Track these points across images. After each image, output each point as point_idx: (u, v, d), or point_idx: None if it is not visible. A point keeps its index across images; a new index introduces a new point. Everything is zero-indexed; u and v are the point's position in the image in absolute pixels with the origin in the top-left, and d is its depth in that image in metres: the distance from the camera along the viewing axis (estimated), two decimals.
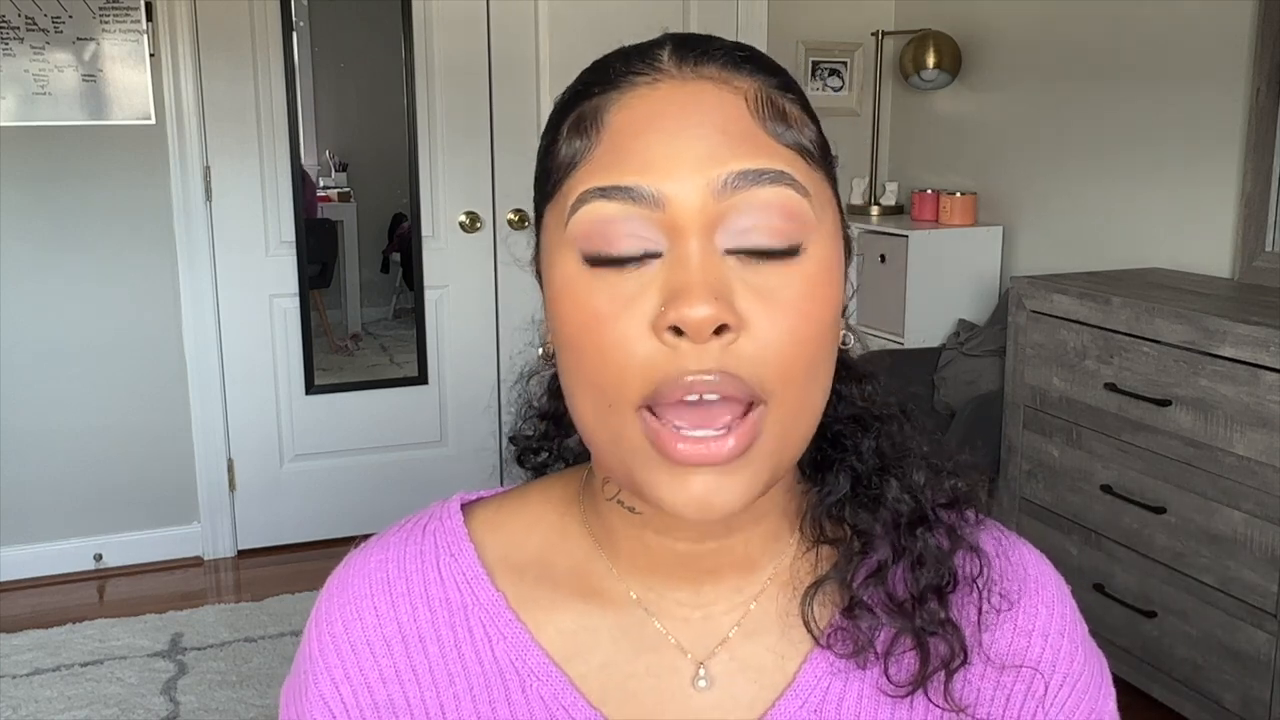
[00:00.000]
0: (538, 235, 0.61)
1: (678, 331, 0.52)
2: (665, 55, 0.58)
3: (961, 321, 3.13)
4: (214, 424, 3.15)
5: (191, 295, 3.06)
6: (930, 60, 3.26)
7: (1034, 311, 2.48)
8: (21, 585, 3.01)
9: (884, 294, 3.17)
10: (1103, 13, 2.81)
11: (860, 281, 3.25)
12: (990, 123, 3.25)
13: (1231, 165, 2.49)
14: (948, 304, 3.15)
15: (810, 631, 0.63)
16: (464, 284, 3.31)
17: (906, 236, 3.09)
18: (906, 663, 0.63)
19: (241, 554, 3.23)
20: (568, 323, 0.56)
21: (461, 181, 3.25)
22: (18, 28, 2.79)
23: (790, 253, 0.54)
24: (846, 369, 0.65)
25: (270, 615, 2.80)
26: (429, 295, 3.29)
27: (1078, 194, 2.94)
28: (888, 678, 0.62)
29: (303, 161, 3.17)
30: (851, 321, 0.62)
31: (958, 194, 3.21)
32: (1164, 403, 2.15)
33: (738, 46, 0.59)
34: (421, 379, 3.34)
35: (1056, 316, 2.42)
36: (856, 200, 3.54)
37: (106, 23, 2.85)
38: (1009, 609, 0.65)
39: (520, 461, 0.75)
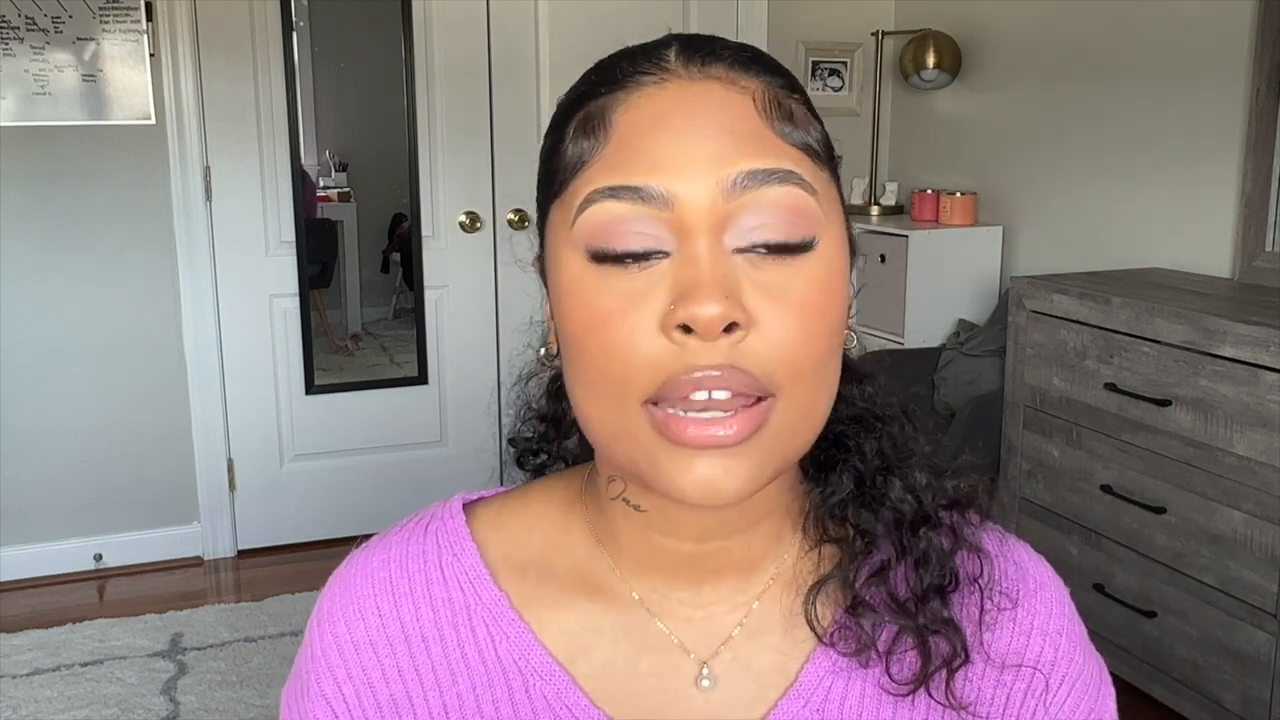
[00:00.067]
0: (541, 234, 0.61)
1: (686, 330, 0.52)
2: (672, 55, 0.58)
3: (961, 321, 3.13)
4: (214, 424, 3.15)
5: (191, 295, 3.06)
6: (930, 60, 3.26)
7: (1034, 311, 2.48)
8: (21, 585, 3.01)
9: (884, 294, 3.17)
10: (1103, 13, 2.81)
11: (862, 282, 3.24)
12: (990, 123, 3.25)
13: (1231, 165, 2.49)
14: (948, 304, 3.15)
15: (813, 630, 0.63)
16: (464, 284, 3.31)
17: (906, 236, 3.09)
18: (908, 662, 0.63)
19: (241, 554, 3.23)
20: (573, 321, 0.56)
21: (461, 181, 3.25)
22: (18, 28, 2.79)
23: (803, 247, 0.55)
24: (847, 369, 0.65)
25: (270, 615, 2.80)
26: (429, 295, 3.30)
27: (1078, 194, 2.94)
28: (890, 676, 0.63)
29: (303, 161, 3.18)
30: (852, 322, 0.63)
31: (958, 194, 3.21)
32: (1164, 403, 2.16)
33: (743, 47, 0.59)
34: (421, 379, 3.34)
35: (1056, 316, 2.42)
36: (856, 200, 3.54)
37: (106, 23, 2.85)
38: (1010, 607, 0.65)
39: (520, 463, 0.75)
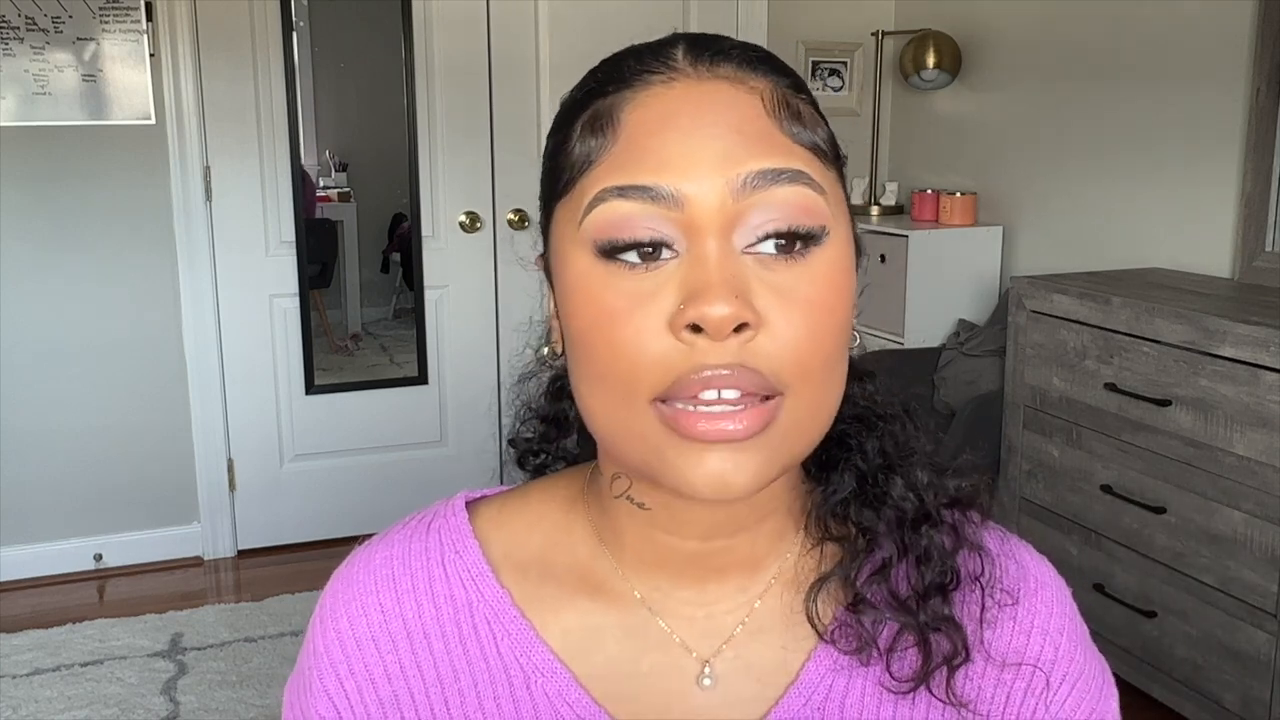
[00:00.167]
0: (545, 233, 0.61)
1: (696, 329, 0.52)
2: (680, 54, 0.58)
3: (961, 321, 3.13)
4: (214, 424, 3.15)
5: (191, 295, 3.06)
6: (930, 60, 3.26)
7: (1034, 311, 2.49)
8: (21, 585, 3.01)
9: (884, 294, 3.17)
10: (1103, 13, 2.81)
11: (863, 282, 3.24)
12: (990, 123, 3.25)
13: (1231, 165, 2.49)
14: (948, 304, 3.15)
15: (814, 627, 0.63)
16: (464, 284, 3.31)
17: (906, 236, 3.09)
18: (909, 659, 0.63)
19: (241, 554, 3.23)
20: (579, 317, 0.56)
21: (461, 181, 3.26)
22: (18, 28, 2.79)
23: (812, 236, 0.55)
24: (849, 368, 0.65)
25: (270, 615, 2.80)
26: (429, 295, 3.30)
27: (1078, 194, 2.94)
28: (890, 674, 0.63)
29: (303, 161, 3.18)
30: (854, 322, 0.63)
31: (958, 194, 3.21)
32: (1164, 403, 2.16)
33: (751, 47, 0.59)
34: (421, 379, 3.34)
35: (1056, 316, 2.42)
36: (856, 200, 3.54)
37: (106, 23, 2.85)
38: (1011, 605, 0.66)
39: (520, 464, 0.75)
